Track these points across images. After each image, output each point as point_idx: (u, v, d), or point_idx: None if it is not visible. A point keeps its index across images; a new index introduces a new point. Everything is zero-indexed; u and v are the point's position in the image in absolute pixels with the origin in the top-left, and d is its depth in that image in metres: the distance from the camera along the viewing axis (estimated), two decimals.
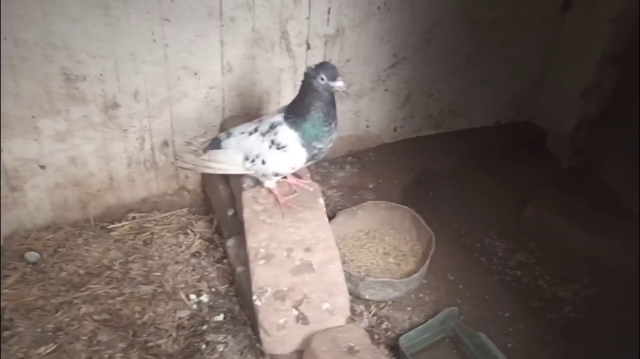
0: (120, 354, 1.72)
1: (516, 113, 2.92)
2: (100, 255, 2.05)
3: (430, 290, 2.02)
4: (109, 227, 2.17)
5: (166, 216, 2.25)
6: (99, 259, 2.04)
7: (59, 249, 2.06)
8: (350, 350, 1.54)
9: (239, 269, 1.91)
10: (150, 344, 1.76)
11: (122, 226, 2.18)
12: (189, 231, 2.19)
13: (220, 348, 1.77)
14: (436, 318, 1.85)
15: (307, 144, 1.65)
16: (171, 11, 1.94)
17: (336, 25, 2.26)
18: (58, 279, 1.95)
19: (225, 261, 2.08)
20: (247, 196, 1.84)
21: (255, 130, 1.72)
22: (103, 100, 2.01)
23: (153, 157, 2.20)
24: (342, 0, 2.20)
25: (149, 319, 1.84)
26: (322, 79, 1.58)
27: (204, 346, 1.77)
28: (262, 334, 1.60)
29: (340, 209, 2.20)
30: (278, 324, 1.57)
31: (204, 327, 1.84)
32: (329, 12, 2.21)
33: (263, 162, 1.70)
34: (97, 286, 1.93)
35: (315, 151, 1.68)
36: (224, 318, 1.88)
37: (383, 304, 1.96)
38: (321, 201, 1.85)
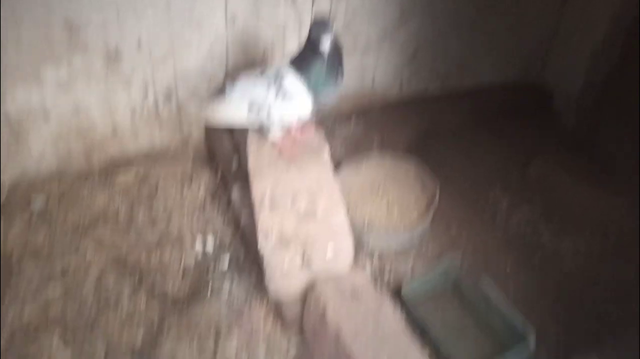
0: (128, 296, 1.75)
1: (524, 73, 2.88)
2: (105, 204, 2.07)
3: (433, 242, 2.04)
4: (113, 177, 2.17)
5: (170, 168, 2.25)
6: (104, 207, 2.05)
7: (64, 198, 2.07)
8: (354, 294, 1.57)
9: (244, 217, 1.93)
10: (156, 287, 1.79)
11: (127, 176, 2.18)
12: (193, 181, 2.19)
13: (226, 291, 1.80)
14: (439, 267, 1.87)
15: (313, 93, 1.65)
16: None
17: None
18: (64, 225, 1.97)
19: (229, 210, 2.09)
20: (252, 145, 1.84)
21: (261, 80, 1.70)
22: (105, 49, 1.98)
23: (156, 108, 2.19)
24: None
25: (155, 264, 1.87)
26: (320, 32, 1.57)
27: (209, 290, 1.80)
28: (267, 279, 1.62)
29: (344, 163, 2.20)
30: (282, 269, 1.60)
31: (209, 273, 1.86)
32: None
33: (268, 112, 1.69)
34: (102, 232, 1.95)
35: (321, 101, 1.67)
36: (229, 265, 1.90)
37: (386, 254, 1.98)
38: (326, 151, 1.85)
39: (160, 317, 1.72)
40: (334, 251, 1.63)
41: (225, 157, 2.17)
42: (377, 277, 1.91)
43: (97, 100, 2.07)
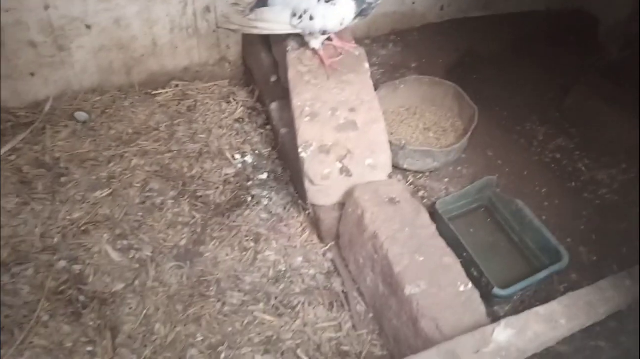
0: (172, 201, 1.82)
1: None
2: (147, 118, 2.11)
3: (469, 164, 2.04)
4: (153, 92, 2.21)
5: (208, 86, 2.27)
6: (146, 121, 2.10)
7: (107, 111, 2.12)
8: (392, 201, 1.60)
9: (283, 131, 1.95)
10: (199, 194, 1.86)
11: (166, 92, 2.21)
12: (231, 99, 2.22)
13: (265, 201, 1.86)
14: (474, 186, 1.88)
15: None
16: None
17: None
18: (108, 136, 2.03)
19: (267, 127, 2.12)
20: (292, 57, 1.83)
21: None
22: None
23: (195, 23, 2.18)
24: None
25: (197, 173, 1.93)
26: None
27: (249, 199, 1.86)
28: (307, 184, 1.66)
29: (382, 84, 2.18)
30: (322, 174, 1.62)
31: (249, 183, 1.92)
32: None
33: (311, 18, 1.67)
34: (145, 142, 2.01)
35: (365, 5, 1.64)
36: (268, 177, 1.95)
37: (421, 174, 1.99)
38: (366, 64, 1.84)
39: (203, 222, 1.79)
40: (373, 161, 1.65)
41: (263, 73, 2.17)
42: (413, 194, 1.93)
43: (137, 11, 2.07)
